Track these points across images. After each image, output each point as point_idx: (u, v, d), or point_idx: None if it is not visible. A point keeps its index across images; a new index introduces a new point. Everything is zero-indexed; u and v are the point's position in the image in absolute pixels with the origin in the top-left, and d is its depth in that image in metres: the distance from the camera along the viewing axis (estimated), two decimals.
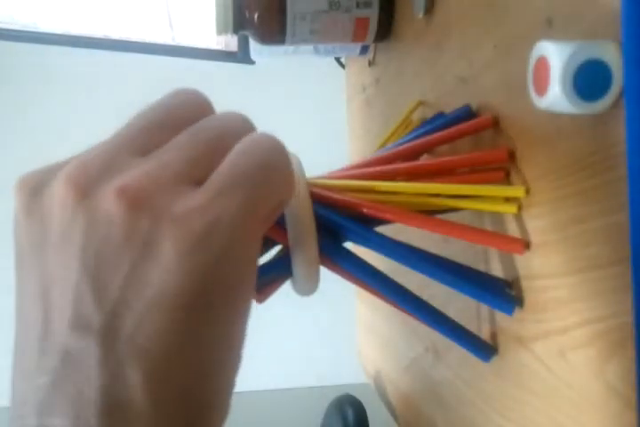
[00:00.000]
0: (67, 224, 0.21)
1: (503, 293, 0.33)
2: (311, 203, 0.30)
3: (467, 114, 0.38)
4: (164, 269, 0.20)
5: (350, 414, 0.70)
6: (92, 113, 1.52)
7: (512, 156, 0.33)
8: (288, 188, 0.24)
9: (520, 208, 0.32)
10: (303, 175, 0.31)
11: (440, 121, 0.39)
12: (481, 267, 0.37)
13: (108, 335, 0.20)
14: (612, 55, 0.23)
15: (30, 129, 1.51)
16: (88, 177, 0.21)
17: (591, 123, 0.26)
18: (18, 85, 1.51)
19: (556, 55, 0.24)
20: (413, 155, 0.38)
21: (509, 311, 0.33)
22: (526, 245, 0.31)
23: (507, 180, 0.33)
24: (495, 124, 0.35)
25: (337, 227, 0.33)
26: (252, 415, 1.28)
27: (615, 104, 0.24)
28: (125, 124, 0.23)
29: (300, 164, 0.32)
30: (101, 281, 0.20)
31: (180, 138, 0.22)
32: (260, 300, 0.33)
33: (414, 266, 0.33)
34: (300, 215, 0.30)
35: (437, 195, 0.34)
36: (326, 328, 1.46)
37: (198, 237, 0.20)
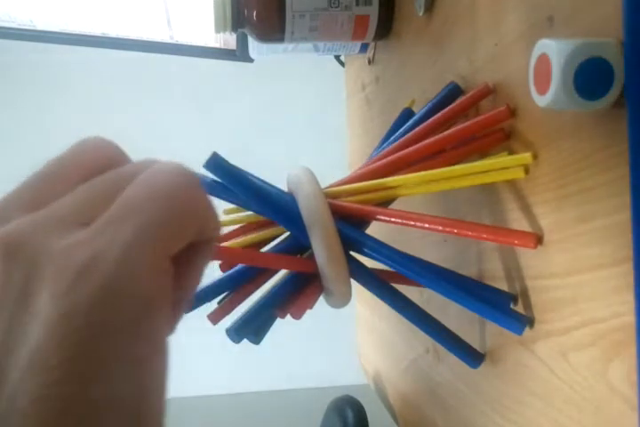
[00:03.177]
0: None
1: (513, 312, 0.32)
2: (334, 222, 0.30)
3: (454, 92, 0.38)
4: (40, 320, 0.18)
5: (350, 415, 0.70)
6: (90, 111, 1.52)
7: (513, 113, 0.32)
8: (201, 216, 0.21)
9: (527, 172, 0.30)
10: (321, 193, 0.31)
11: (432, 105, 0.39)
12: (481, 267, 0.37)
13: None
14: (613, 53, 0.23)
15: (27, 127, 1.51)
16: None
17: (593, 121, 0.26)
18: (15, 83, 1.51)
19: (557, 53, 0.23)
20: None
21: (519, 331, 0.31)
22: (539, 239, 0.30)
23: (508, 143, 0.33)
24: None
25: (348, 238, 0.32)
26: (252, 416, 1.28)
27: (617, 102, 0.24)
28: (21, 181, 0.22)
29: (315, 179, 0.31)
30: None
31: (76, 189, 0.21)
32: (297, 316, 0.32)
33: (428, 284, 0.32)
34: (327, 238, 0.30)
35: (448, 178, 0.33)
36: (326, 329, 1.46)
37: (77, 274, 0.18)
